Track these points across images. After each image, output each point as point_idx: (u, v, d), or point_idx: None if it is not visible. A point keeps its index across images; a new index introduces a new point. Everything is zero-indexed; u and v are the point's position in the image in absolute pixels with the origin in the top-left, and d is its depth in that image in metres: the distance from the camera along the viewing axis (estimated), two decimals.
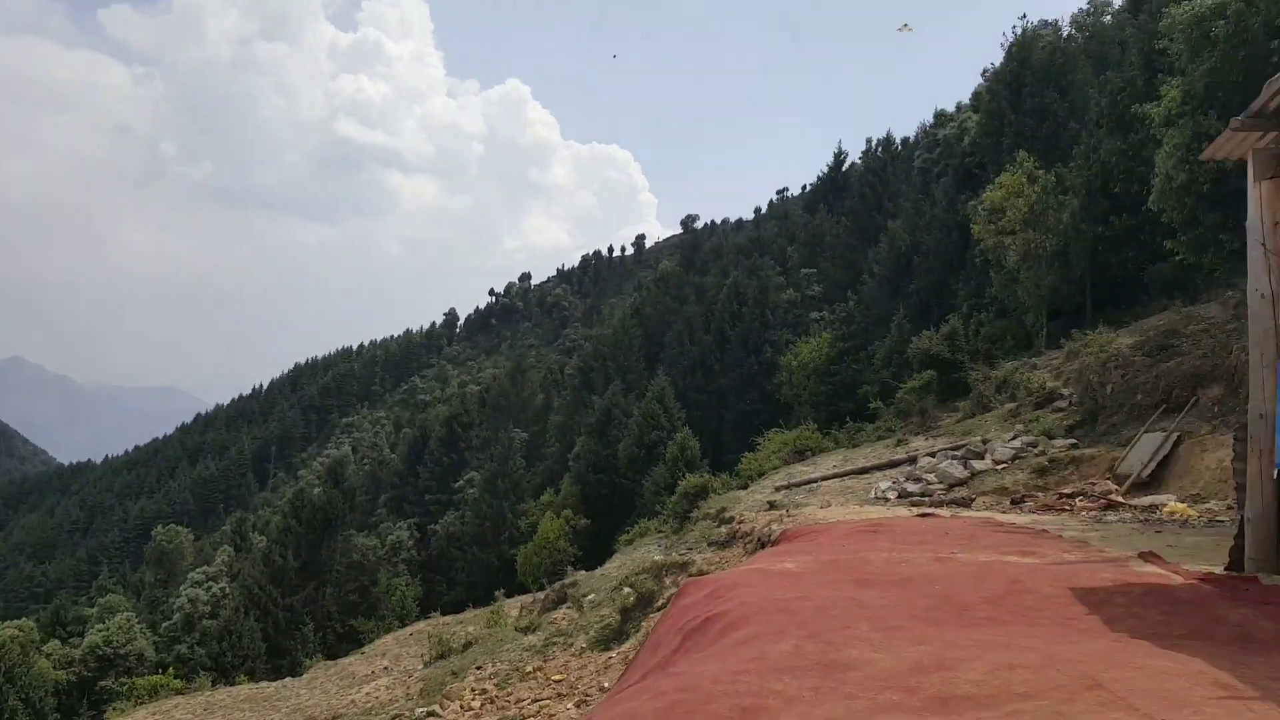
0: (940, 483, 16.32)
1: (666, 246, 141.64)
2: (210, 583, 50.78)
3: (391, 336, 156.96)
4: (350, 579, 44.91)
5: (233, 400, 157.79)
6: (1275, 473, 6.95)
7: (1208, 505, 12.05)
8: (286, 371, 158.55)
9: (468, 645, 16.95)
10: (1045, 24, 42.94)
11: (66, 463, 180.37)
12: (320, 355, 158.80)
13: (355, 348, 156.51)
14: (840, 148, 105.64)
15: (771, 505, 16.43)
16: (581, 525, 41.42)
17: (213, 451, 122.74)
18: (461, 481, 63.09)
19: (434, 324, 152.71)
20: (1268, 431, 6.97)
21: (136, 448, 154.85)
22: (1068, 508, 12.71)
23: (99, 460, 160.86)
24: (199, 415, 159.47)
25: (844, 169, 76.50)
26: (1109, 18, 43.62)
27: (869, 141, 74.22)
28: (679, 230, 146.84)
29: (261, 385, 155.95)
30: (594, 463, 46.64)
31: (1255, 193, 7.21)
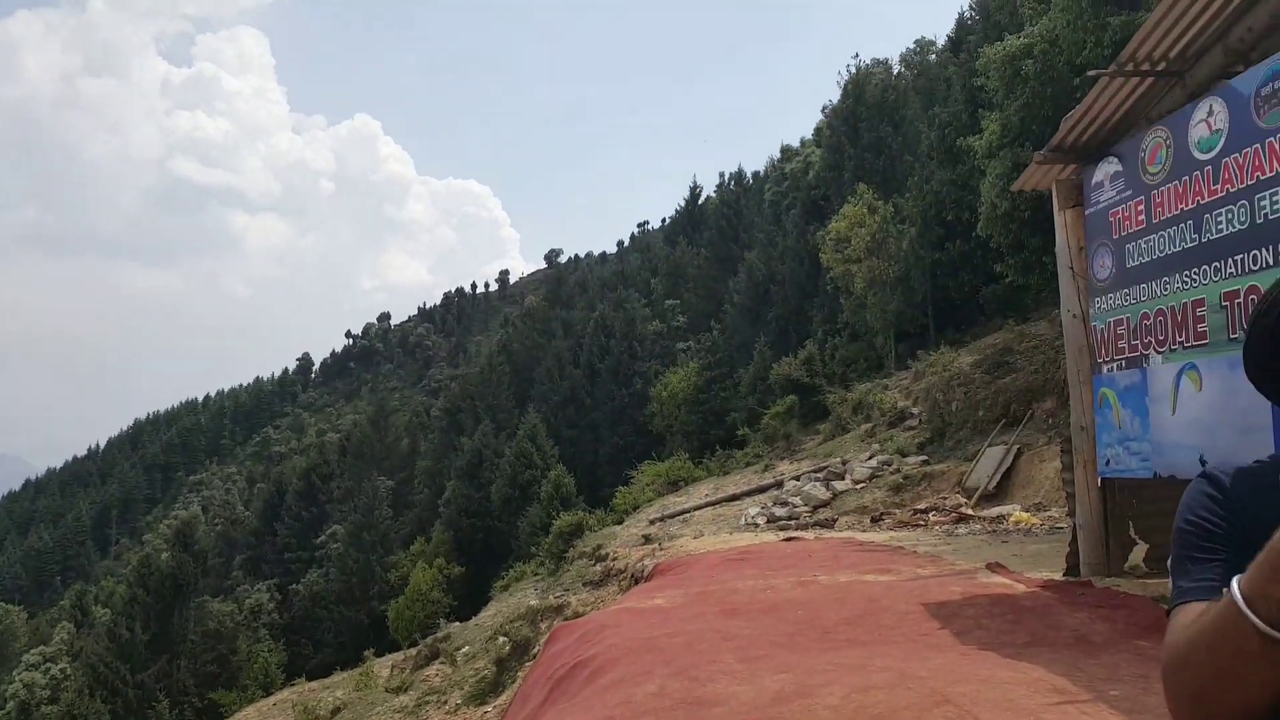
0: (805, 505, 16.80)
1: (531, 281, 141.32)
2: (49, 664, 46.95)
3: (241, 385, 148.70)
4: (207, 649, 42.15)
5: (66, 463, 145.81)
6: (1099, 481, 7.47)
7: (1049, 513, 12.86)
8: (126, 429, 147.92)
9: (336, 711, 16.17)
10: (878, 63, 45.27)
11: None
12: (163, 409, 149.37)
13: (201, 399, 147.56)
14: (695, 181, 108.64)
15: (646, 539, 16.47)
16: (456, 573, 40.28)
17: (46, 519, 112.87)
18: (324, 536, 60.28)
19: (286, 370, 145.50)
20: (1089, 442, 7.49)
21: None
22: (922, 523, 13.30)
23: None
24: (29, 481, 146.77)
25: (700, 202, 78.57)
26: (934, 56, 46.51)
27: (721, 175, 76.63)
28: (543, 265, 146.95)
29: (99, 445, 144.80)
30: (466, 507, 45.58)
31: (1061, 220, 7.76)
